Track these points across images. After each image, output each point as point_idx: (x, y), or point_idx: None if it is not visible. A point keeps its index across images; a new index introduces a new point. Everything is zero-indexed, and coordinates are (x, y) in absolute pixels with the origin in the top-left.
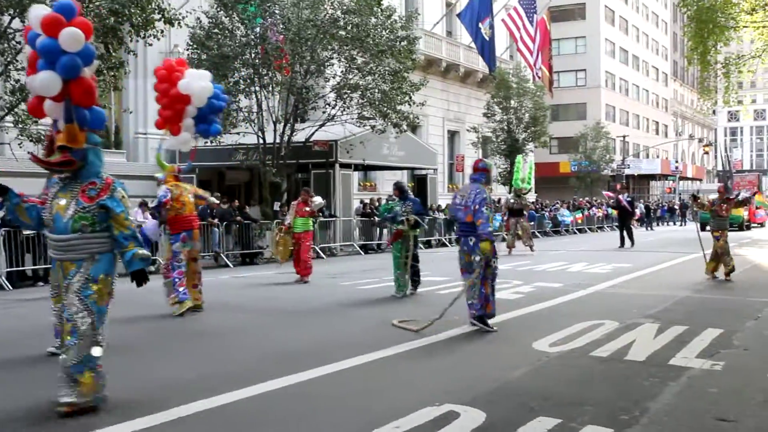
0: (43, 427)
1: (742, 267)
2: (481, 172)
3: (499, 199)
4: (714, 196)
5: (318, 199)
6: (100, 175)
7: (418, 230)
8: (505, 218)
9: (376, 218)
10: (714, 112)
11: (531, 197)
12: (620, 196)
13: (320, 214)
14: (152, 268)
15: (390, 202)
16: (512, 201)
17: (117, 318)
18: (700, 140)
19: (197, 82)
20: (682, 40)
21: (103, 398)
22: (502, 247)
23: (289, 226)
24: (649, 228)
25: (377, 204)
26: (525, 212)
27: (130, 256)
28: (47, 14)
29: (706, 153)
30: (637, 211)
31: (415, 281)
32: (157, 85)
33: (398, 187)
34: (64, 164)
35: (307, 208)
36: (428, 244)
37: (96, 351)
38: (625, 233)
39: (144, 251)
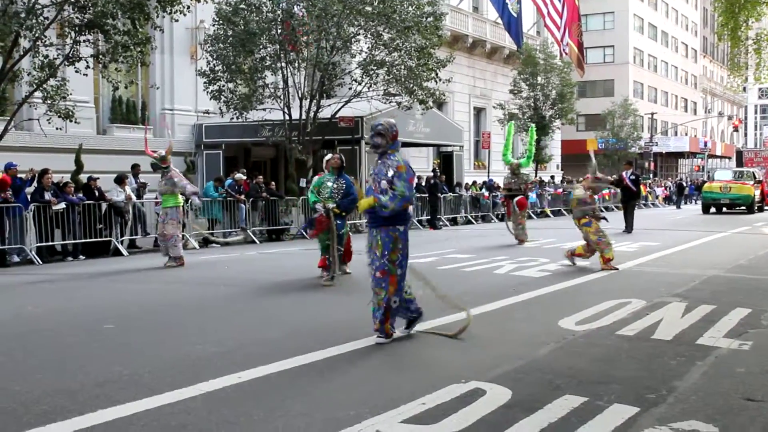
0: (72, 396)
1: None
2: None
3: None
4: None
5: None
6: None
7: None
8: (503, 201)
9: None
10: (744, 89)
11: (529, 171)
12: (623, 173)
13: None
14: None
15: (323, 176)
16: (508, 180)
17: (145, 293)
18: (730, 118)
19: None
20: (713, 15)
21: None
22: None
23: None
24: (677, 206)
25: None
26: (527, 193)
27: None
28: None
29: (736, 130)
30: (659, 191)
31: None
32: None
33: (341, 159)
34: None
35: None
36: (454, 222)
37: None
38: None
39: None
